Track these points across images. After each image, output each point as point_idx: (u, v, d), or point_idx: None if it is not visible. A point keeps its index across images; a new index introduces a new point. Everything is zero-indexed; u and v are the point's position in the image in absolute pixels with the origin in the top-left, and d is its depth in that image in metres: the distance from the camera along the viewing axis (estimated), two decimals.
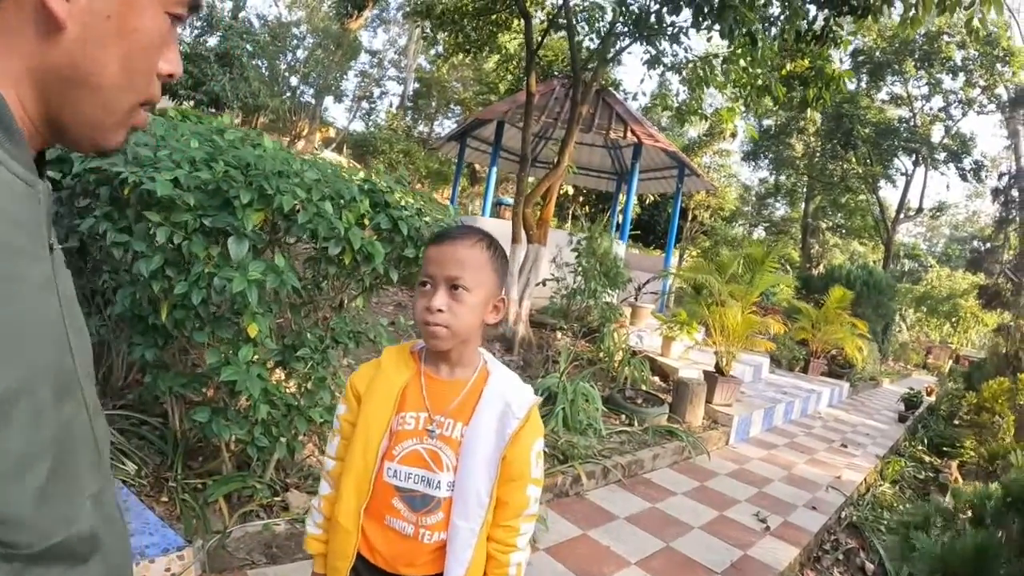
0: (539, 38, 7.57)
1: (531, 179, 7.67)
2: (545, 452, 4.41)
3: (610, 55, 7.38)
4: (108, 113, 0.64)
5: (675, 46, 6.80)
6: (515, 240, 7.08)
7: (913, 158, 24.31)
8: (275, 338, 2.77)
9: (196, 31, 15.07)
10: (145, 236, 2.22)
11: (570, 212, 21.80)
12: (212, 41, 14.40)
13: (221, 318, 2.28)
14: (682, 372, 7.02)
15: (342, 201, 2.44)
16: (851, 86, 20.96)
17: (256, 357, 2.37)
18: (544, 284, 7.06)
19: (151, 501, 2.72)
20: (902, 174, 25.52)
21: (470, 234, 1.28)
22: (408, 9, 10.60)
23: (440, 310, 1.21)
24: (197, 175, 2.13)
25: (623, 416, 5.64)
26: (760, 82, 6.72)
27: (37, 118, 0.62)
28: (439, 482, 1.26)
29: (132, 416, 3.24)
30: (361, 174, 2.99)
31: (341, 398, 1.36)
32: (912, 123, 24.15)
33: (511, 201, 10.76)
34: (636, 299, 8.98)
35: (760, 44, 6.01)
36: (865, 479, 6.07)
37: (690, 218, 22.43)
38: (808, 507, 4.82)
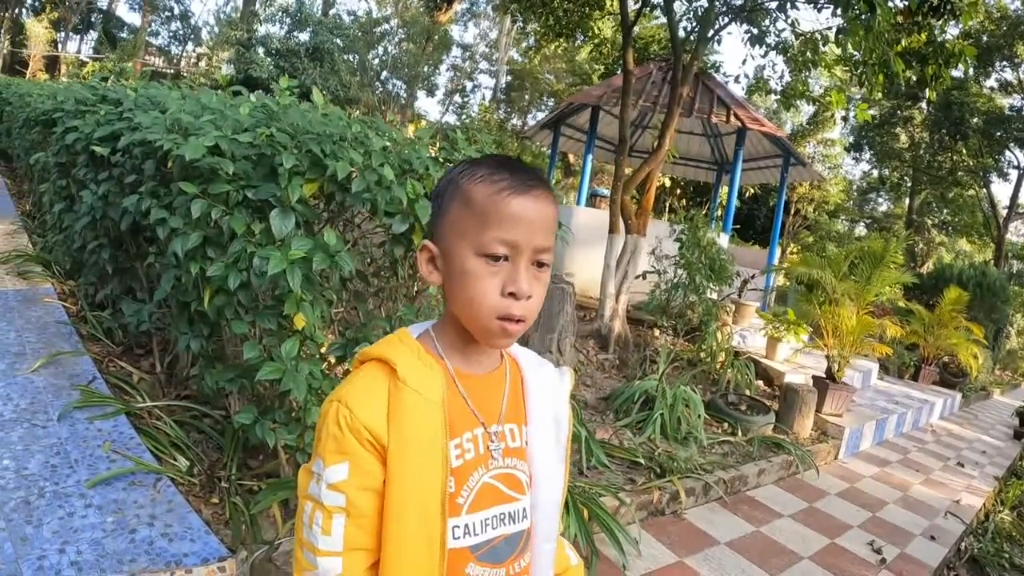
0: (634, 14, 7.07)
1: (628, 170, 7.20)
2: (641, 464, 4.03)
3: (711, 33, 6.82)
4: None
5: (779, 24, 6.22)
6: (612, 230, 6.66)
7: None
8: (338, 331, 2.46)
9: (287, 27, 15.37)
10: (185, 212, 1.94)
11: (667, 205, 21.06)
12: (303, 37, 14.61)
13: (264, 306, 1.97)
14: (788, 377, 6.41)
15: (410, 169, 2.09)
16: (958, 72, 19.30)
17: (306, 352, 2.04)
18: (644, 277, 6.58)
19: (199, 502, 2.48)
20: (1014, 167, 23.29)
21: (542, 179, 0.87)
22: (497, 1, 10.35)
23: (530, 297, 0.84)
24: (237, 139, 1.82)
25: (726, 424, 5.12)
26: (875, 57, 5.99)
27: None
28: (523, 510, 0.93)
29: (194, 408, 3.04)
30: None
31: (319, 455, 0.83)
32: None
33: (607, 192, 10.27)
34: (740, 295, 8.33)
35: (879, 10, 5.32)
36: (984, 504, 5.35)
37: (792, 212, 21.23)
38: (926, 536, 4.27)
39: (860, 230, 31.43)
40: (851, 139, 25.60)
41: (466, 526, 0.86)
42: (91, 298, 3.63)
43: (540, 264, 0.85)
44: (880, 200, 31.38)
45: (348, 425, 0.80)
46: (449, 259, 0.86)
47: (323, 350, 2.29)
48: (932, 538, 4.23)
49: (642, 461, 4.01)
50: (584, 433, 3.96)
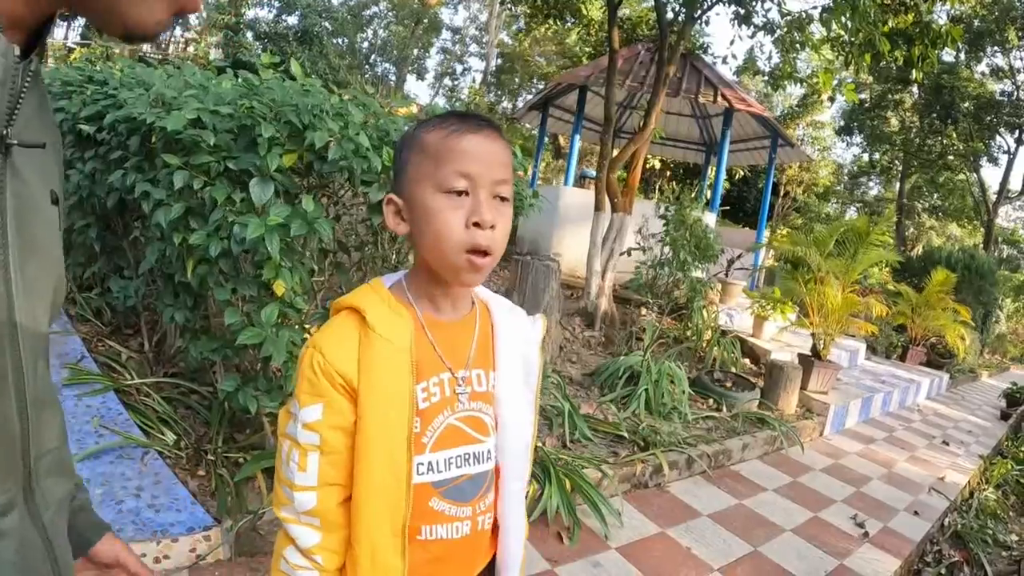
0: None
1: (615, 151, 7.22)
2: (625, 437, 4.09)
3: (698, 13, 6.83)
4: None
5: (766, 3, 6.21)
6: (598, 208, 6.69)
7: (1016, 135, 22.16)
8: (320, 300, 2.51)
9: (275, 10, 15.27)
10: (168, 184, 1.97)
11: (657, 186, 21.07)
12: (292, 20, 14.55)
13: (244, 273, 2.01)
14: (775, 355, 6.47)
15: (387, 139, 2.12)
16: (949, 57, 19.23)
17: (286, 320, 2.09)
18: (629, 254, 6.62)
19: (186, 475, 2.52)
20: (1004, 152, 23.34)
21: (492, 122, 0.91)
22: None
23: (493, 227, 0.86)
24: (218, 111, 1.85)
25: (711, 400, 5.19)
26: (861, 37, 6.01)
27: None
28: (488, 452, 0.98)
29: (182, 385, 3.09)
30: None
31: (296, 397, 0.89)
32: (1016, 97, 21.94)
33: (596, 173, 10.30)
34: (727, 274, 8.39)
35: None
36: (969, 482, 5.43)
37: (782, 194, 21.22)
38: (910, 512, 4.32)
39: (851, 213, 31.46)
40: (841, 123, 25.56)
41: (430, 463, 0.91)
42: (79, 279, 3.65)
43: (502, 198, 0.88)
44: (871, 184, 31.36)
45: (322, 369, 0.86)
46: (412, 204, 0.89)
47: (304, 319, 2.33)
48: (916, 513, 4.28)
49: (626, 435, 4.05)
50: (567, 407, 4.00)
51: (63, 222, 0.66)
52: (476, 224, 0.85)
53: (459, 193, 0.85)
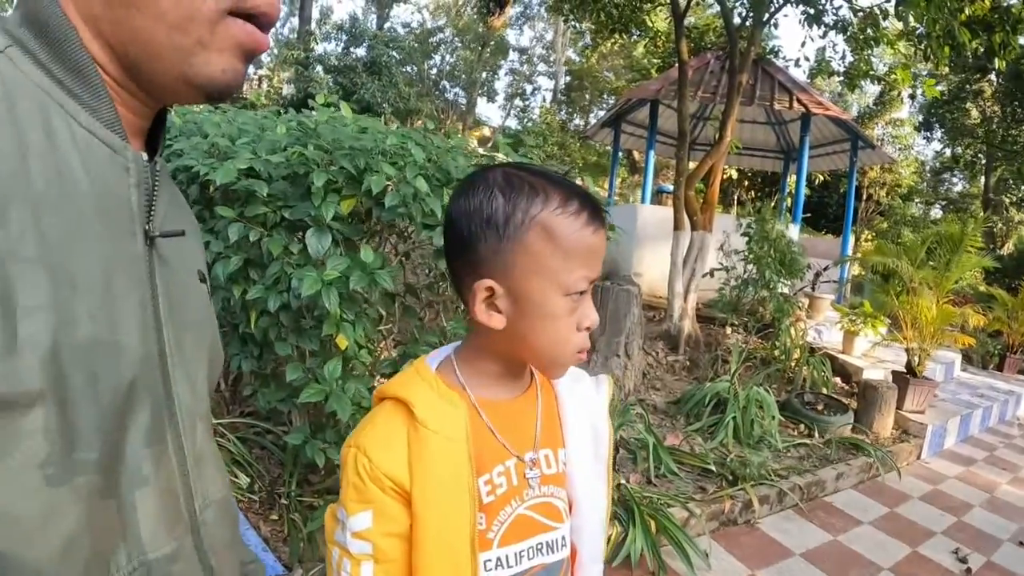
0: (685, 2, 6.85)
1: (691, 164, 6.99)
2: (712, 471, 3.87)
3: (766, 16, 6.56)
4: (174, 28, 0.50)
5: (836, 1, 5.91)
6: (677, 227, 6.46)
7: None
8: (392, 344, 2.43)
9: (343, 43, 15.69)
10: (225, 236, 1.94)
11: (735, 197, 20.49)
12: (360, 52, 14.89)
13: (306, 327, 1.94)
14: (867, 372, 6.06)
15: (448, 179, 2.03)
16: None
17: (353, 371, 2.01)
18: (712, 275, 6.35)
19: (258, 519, 2.49)
20: None
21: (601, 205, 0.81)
22: (551, 3, 10.23)
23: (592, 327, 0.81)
24: (269, 160, 1.80)
25: (802, 426, 4.88)
26: (939, 28, 5.60)
27: (110, 63, 0.53)
28: (562, 539, 0.87)
29: (257, 425, 3.08)
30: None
31: (342, 503, 0.79)
32: None
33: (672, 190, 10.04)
34: (814, 288, 7.96)
35: None
36: None
37: (864, 197, 20.23)
38: (1014, 541, 3.93)
39: (936, 212, 29.85)
40: (920, 118, 24.35)
41: (498, 559, 0.80)
42: None
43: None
44: (955, 180, 29.71)
45: (368, 474, 0.75)
46: (525, 299, 0.76)
47: (374, 365, 2.26)
48: (1021, 544, 3.91)
49: (713, 468, 3.85)
50: (652, 440, 3.83)
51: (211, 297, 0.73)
52: (587, 328, 0.79)
53: (579, 293, 0.77)
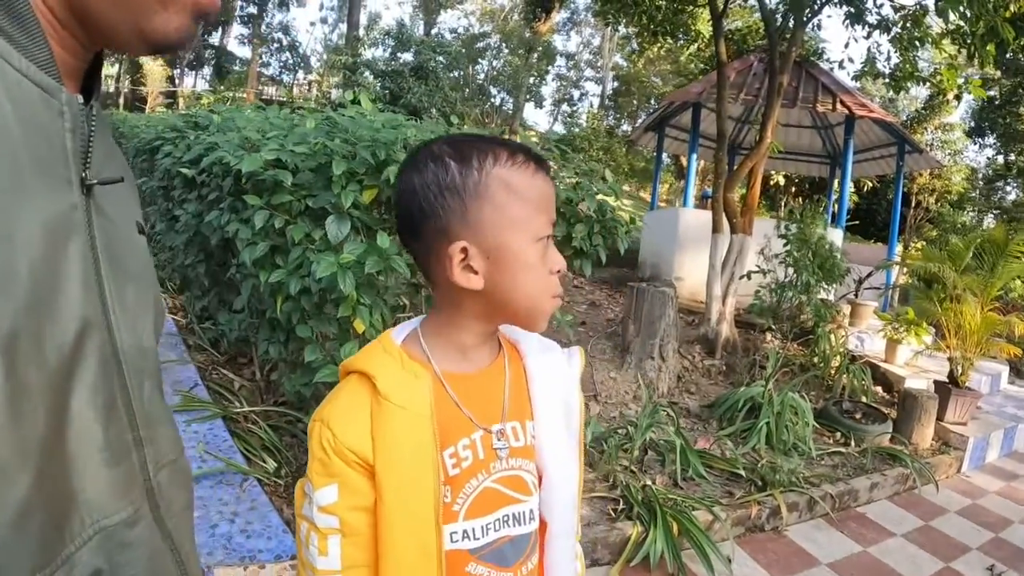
0: (723, 3, 6.76)
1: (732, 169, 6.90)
2: (741, 476, 3.82)
3: (806, 17, 6.45)
4: None
5: None
6: (716, 230, 6.37)
7: None
8: None
9: (390, 49, 15.96)
10: (253, 223, 2.02)
11: (782, 203, 20.10)
12: (407, 57, 15.12)
13: (325, 311, 2.01)
14: (909, 382, 5.87)
15: None
16: None
17: None
18: (749, 277, 6.26)
19: (282, 502, 2.56)
20: None
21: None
22: (596, 8, 10.22)
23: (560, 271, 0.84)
24: (294, 150, 1.87)
25: (838, 434, 4.77)
26: (982, 26, 5.42)
27: (56, 5, 0.51)
28: (531, 511, 0.88)
29: (289, 413, 3.16)
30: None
31: (308, 477, 0.80)
32: None
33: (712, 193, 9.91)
34: (857, 295, 7.77)
35: None
36: None
37: (913, 204, 19.58)
38: None
39: (989, 221, 28.61)
40: (971, 123, 23.47)
41: (464, 531, 0.81)
42: (198, 311, 3.87)
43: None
44: (1008, 188, 28.52)
45: (332, 447, 0.76)
46: (502, 251, 0.78)
47: None
48: None
49: (742, 473, 3.78)
50: (680, 442, 3.79)
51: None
52: (558, 272, 0.83)
53: (546, 239, 0.81)
